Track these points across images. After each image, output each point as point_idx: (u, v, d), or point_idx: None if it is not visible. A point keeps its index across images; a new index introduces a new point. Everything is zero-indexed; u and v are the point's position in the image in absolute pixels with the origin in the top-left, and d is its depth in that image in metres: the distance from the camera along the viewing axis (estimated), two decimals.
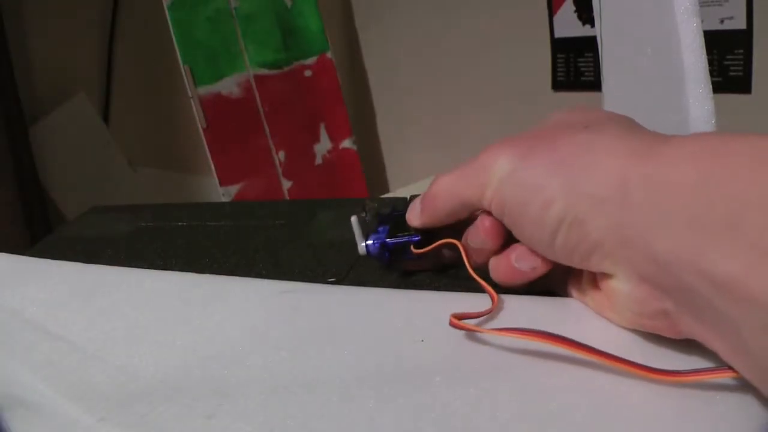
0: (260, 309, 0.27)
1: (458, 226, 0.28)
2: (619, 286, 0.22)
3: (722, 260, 0.17)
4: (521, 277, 0.26)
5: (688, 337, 0.21)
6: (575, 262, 0.23)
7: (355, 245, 0.30)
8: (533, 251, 0.24)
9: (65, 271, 0.35)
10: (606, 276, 0.23)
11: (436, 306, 0.26)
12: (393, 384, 0.21)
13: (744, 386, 0.19)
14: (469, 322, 0.23)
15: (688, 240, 0.18)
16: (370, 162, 1.79)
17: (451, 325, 0.23)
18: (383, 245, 0.29)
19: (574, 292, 0.26)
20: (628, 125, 0.23)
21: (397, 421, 0.19)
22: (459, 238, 0.28)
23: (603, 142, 0.22)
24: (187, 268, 0.34)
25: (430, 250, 0.28)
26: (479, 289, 0.26)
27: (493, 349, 0.22)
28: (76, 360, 0.25)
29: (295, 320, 0.26)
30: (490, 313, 0.24)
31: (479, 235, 0.26)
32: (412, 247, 0.29)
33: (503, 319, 0.25)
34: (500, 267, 0.26)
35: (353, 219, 0.30)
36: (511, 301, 0.26)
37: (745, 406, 0.18)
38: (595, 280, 0.24)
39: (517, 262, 0.25)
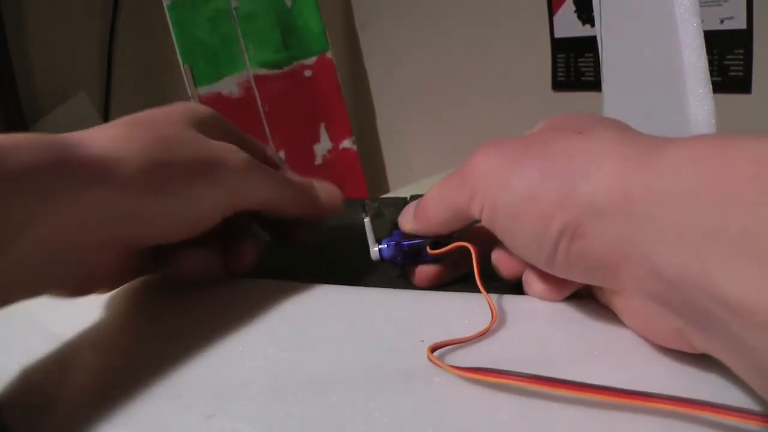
0: (260, 309, 0.27)
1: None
2: (627, 303, 0.21)
3: (734, 282, 0.15)
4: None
5: (704, 352, 0.19)
6: (577, 278, 0.22)
7: (354, 244, 0.30)
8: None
9: None
10: (613, 291, 0.22)
11: (436, 306, 0.26)
12: (393, 384, 0.21)
13: (744, 386, 0.19)
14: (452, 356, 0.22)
15: (695, 258, 0.16)
16: (370, 162, 1.79)
17: (429, 359, 0.21)
18: (397, 245, 0.28)
19: (594, 293, 0.24)
20: (621, 129, 0.21)
21: (397, 421, 0.19)
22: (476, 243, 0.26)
23: (599, 148, 0.20)
24: None
25: (447, 251, 0.27)
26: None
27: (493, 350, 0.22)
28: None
29: (295, 320, 0.26)
30: (489, 326, 0.23)
31: (496, 266, 0.26)
32: (428, 248, 0.28)
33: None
34: (502, 261, 0.26)
35: (366, 221, 0.28)
36: (516, 305, 0.25)
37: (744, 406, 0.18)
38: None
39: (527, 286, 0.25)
